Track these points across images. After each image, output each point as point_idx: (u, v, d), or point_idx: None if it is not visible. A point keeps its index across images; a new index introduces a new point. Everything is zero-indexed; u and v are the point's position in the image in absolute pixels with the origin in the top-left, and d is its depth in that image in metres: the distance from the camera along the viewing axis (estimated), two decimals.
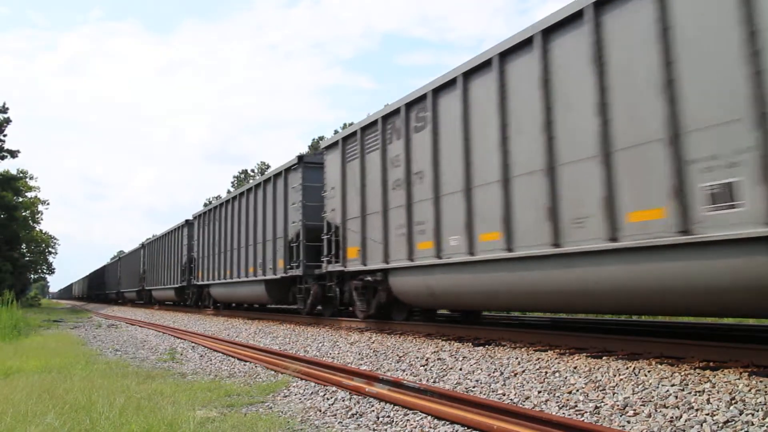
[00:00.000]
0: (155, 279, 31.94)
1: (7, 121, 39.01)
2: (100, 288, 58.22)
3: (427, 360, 7.39)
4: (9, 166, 46.93)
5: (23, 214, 47.29)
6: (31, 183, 50.86)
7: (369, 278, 10.84)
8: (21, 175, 46.37)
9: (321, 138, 53.97)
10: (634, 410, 4.51)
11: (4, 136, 39.08)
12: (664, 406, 4.47)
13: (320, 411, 5.53)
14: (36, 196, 53.73)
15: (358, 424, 4.98)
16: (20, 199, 46.07)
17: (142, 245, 36.37)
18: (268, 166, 63.59)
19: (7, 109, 38.94)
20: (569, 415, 4.64)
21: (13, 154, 39.69)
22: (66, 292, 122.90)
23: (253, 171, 66.40)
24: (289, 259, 14.31)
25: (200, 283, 23.04)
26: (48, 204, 61.67)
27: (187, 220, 26.16)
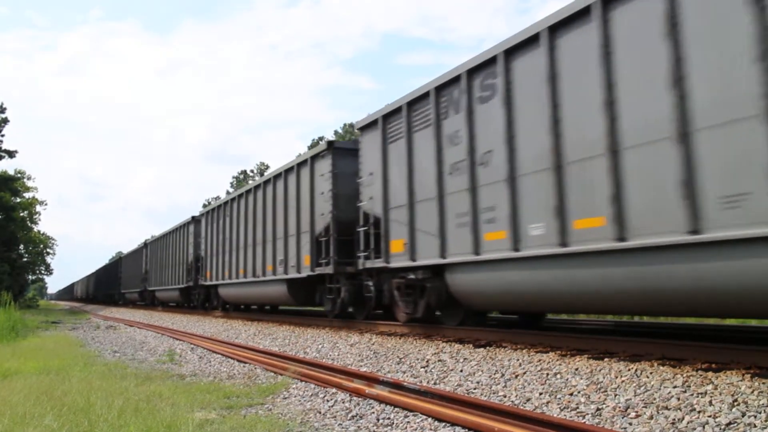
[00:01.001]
0: (157, 279, 31.11)
1: (5, 121, 38.99)
2: (111, 286, 48.50)
3: (427, 361, 7.36)
4: (7, 166, 46.77)
5: (21, 214, 47.19)
6: (29, 183, 50.78)
7: (415, 275, 9.70)
8: (19, 175, 46.31)
9: (321, 138, 53.90)
10: (636, 412, 4.48)
11: (2, 136, 39.08)
12: (666, 408, 4.45)
13: (320, 413, 5.50)
14: (34, 197, 53.61)
15: (358, 426, 4.95)
16: (18, 200, 45.99)
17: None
18: (267, 167, 63.59)
19: (5, 109, 38.94)
20: (571, 417, 4.62)
21: (11, 154, 39.67)
22: (66, 293, 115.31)
23: (252, 171, 66.41)
24: (316, 255, 12.84)
25: (208, 283, 21.80)
26: (46, 204, 61.59)
27: (193, 217, 24.77)
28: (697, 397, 4.56)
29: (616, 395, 4.94)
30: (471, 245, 8.29)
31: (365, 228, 11.09)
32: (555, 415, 4.66)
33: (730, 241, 5.29)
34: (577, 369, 5.89)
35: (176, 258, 26.99)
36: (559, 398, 5.12)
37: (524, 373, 6.09)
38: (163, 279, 29.26)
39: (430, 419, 4.86)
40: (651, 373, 5.38)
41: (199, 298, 23.61)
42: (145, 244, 34.40)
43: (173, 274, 27.21)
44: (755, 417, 4.05)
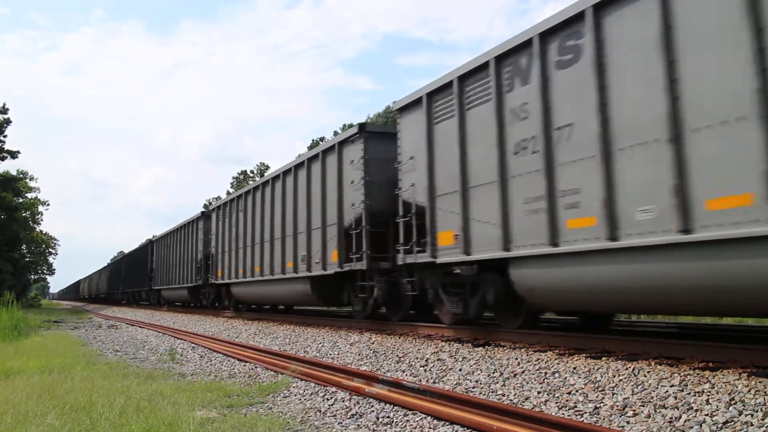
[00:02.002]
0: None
1: (8, 121, 39.08)
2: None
3: (426, 360, 7.39)
4: (9, 167, 46.95)
5: (23, 214, 47.36)
6: (32, 184, 51.11)
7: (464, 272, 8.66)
8: (21, 175, 46.47)
9: (322, 138, 53.90)
10: (634, 411, 4.51)
11: (4, 136, 39.19)
12: (664, 407, 4.48)
13: (320, 411, 5.54)
14: (36, 197, 53.91)
15: (358, 425, 4.99)
16: (20, 200, 46.14)
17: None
18: (268, 167, 63.63)
19: (7, 109, 39.04)
20: (569, 415, 4.65)
21: (13, 154, 39.79)
22: (70, 292, 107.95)
23: (252, 172, 66.45)
24: (345, 250, 11.70)
25: (219, 281, 20.29)
26: (48, 205, 61.63)
27: (203, 212, 23.28)
28: (695, 395, 4.59)
29: (614, 394, 4.96)
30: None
31: (406, 218, 9.89)
32: (553, 414, 4.69)
33: None
34: (575, 368, 5.92)
35: (184, 256, 25.06)
36: (558, 397, 5.15)
37: (522, 372, 6.12)
38: (170, 278, 24.79)
39: (429, 418, 4.89)
40: (648, 372, 5.41)
41: (210, 297, 22.17)
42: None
43: (180, 273, 24.23)
44: (752, 415, 4.08)
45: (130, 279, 39.30)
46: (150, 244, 33.79)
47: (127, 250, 51.77)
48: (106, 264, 58.11)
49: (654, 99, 5.84)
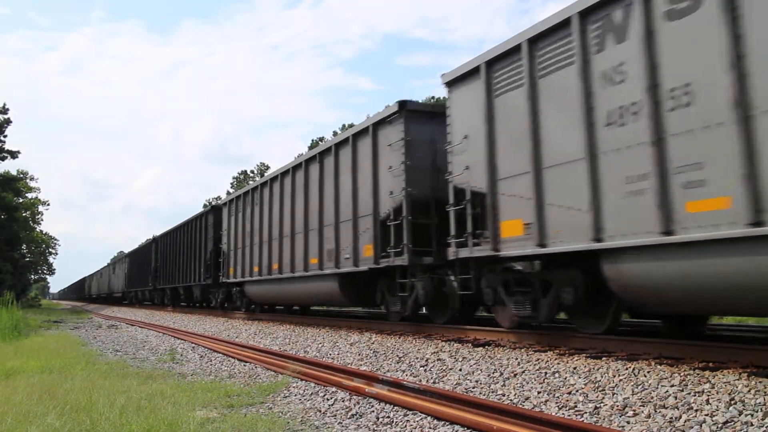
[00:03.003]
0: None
1: (8, 121, 39.13)
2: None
3: (426, 360, 7.40)
4: (9, 167, 47.05)
5: (23, 214, 47.42)
6: (32, 184, 51.23)
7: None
8: (21, 175, 46.53)
9: (321, 139, 53.87)
10: (634, 411, 4.51)
11: (5, 136, 39.24)
12: (664, 407, 4.48)
13: (320, 411, 5.54)
14: (36, 197, 54.00)
15: (358, 425, 4.99)
16: (20, 200, 46.18)
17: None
18: (268, 167, 63.70)
19: (8, 109, 39.10)
20: (569, 415, 4.65)
21: (14, 154, 39.84)
22: (73, 291, 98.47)
23: (252, 172, 66.47)
24: (382, 244, 10.58)
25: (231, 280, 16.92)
26: (48, 205, 61.70)
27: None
28: (695, 395, 4.59)
29: (614, 394, 4.97)
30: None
31: (459, 207, 8.74)
32: (553, 414, 4.69)
33: None
34: (575, 368, 5.92)
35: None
36: (558, 397, 5.15)
37: (523, 372, 6.12)
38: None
39: (429, 418, 4.90)
40: (648, 372, 5.41)
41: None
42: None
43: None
44: (752, 416, 4.08)
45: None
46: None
47: (127, 250, 46.49)
48: (107, 262, 52.91)
49: None
